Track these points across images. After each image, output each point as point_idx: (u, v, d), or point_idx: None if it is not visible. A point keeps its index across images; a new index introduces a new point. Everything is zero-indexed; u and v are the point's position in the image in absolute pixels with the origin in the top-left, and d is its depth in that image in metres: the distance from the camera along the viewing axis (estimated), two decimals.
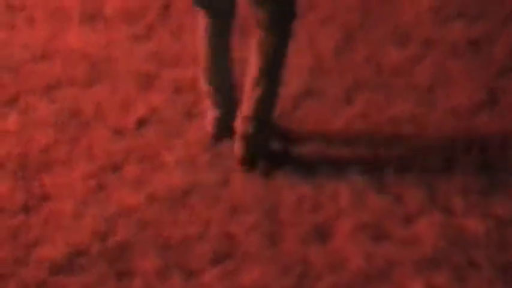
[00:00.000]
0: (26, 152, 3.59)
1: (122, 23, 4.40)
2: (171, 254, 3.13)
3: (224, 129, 3.58)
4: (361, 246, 3.13)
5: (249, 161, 3.45)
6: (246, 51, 3.51)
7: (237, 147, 3.46)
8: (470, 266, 3.07)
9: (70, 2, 4.56)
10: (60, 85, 3.97)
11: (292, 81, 3.91)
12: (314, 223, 3.23)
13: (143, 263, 3.09)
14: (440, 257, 3.09)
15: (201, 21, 3.55)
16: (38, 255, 3.12)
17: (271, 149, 3.51)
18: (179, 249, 3.15)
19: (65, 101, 3.87)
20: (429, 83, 3.92)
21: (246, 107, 3.44)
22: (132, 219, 3.26)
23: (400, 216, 3.24)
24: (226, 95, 3.60)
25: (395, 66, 4.03)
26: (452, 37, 4.22)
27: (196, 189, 3.38)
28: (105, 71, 4.06)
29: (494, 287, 3.00)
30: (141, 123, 3.73)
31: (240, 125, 3.45)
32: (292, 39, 3.47)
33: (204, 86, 3.61)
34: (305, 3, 4.50)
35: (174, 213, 3.28)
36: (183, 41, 4.26)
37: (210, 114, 3.62)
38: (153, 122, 3.74)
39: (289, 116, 3.72)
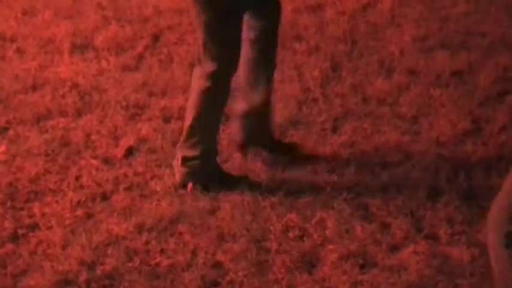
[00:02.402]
0: (15, 181, 3.60)
1: (112, 53, 4.44)
2: (159, 283, 3.13)
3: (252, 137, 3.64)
4: (347, 275, 3.14)
5: (182, 185, 3.50)
6: None
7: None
8: None
9: (61, 33, 4.60)
10: (50, 115, 3.99)
11: (279, 111, 3.94)
12: (301, 251, 3.24)
13: None
14: (425, 285, 3.10)
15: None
16: (27, 284, 3.12)
17: (213, 175, 3.50)
18: (167, 277, 3.15)
19: (54, 131, 3.89)
20: (414, 112, 3.96)
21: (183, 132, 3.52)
22: (121, 248, 3.26)
23: (385, 245, 3.26)
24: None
25: (381, 96, 4.07)
26: (436, 67, 4.26)
27: (184, 218, 3.39)
28: (95, 101, 4.08)
29: None
30: (130, 152, 3.75)
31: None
32: (225, 90, 3.43)
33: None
34: (292, 34, 4.55)
35: (162, 242, 3.29)
36: (172, 71, 4.30)
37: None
38: (141, 151, 3.76)
39: None
